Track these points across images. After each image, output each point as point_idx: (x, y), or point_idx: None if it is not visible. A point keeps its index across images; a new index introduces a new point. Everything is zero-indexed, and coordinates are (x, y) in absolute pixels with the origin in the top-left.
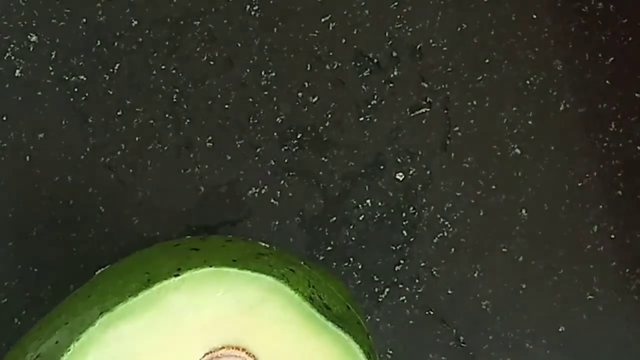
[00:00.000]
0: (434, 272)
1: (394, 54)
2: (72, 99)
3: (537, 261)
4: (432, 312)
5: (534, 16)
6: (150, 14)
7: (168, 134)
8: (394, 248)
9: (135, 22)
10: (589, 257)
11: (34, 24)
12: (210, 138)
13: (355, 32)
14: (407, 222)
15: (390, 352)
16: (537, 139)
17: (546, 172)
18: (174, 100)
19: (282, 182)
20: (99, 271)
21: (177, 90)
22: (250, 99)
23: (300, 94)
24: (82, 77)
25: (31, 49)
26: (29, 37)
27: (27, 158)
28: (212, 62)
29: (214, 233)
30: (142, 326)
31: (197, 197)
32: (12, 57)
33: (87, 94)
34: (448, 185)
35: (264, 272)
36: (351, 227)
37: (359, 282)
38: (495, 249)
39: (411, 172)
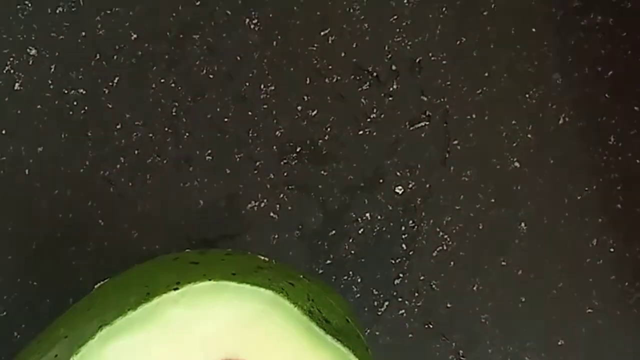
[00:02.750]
0: (434, 286)
1: (394, 67)
2: (71, 113)
3: (536, 275)
4: (431, 326)
5: (533, 30)
6: (150, 28)
7: (167, 148)
8: (393, 262)
9: (135, 36)
10: (588, 271)
11: (33, 38)
12: (209, 152)
13: (354, 46)
14: (406, 235)
15: None
16: (537, 153)
17: (545, 186)
18: (174, 113)
19: (282, 195)
20: (98, 285)
21: (177, 104)
22: (250, 113)
23: (299, 108)
24: (81, 90)
25: (30, 62)
26: (28, 50)
27: (27, 172)
28: (211, 76)
29: (213, 247)
30: (141, 340)
31: (196, 211)
32: (12, 71)
33: (86, 108)
34: (447, 199)
35: (263, 285)
36: (350, 240)
37: (358, 295)
38: (495, 262)
39: (410, 185)
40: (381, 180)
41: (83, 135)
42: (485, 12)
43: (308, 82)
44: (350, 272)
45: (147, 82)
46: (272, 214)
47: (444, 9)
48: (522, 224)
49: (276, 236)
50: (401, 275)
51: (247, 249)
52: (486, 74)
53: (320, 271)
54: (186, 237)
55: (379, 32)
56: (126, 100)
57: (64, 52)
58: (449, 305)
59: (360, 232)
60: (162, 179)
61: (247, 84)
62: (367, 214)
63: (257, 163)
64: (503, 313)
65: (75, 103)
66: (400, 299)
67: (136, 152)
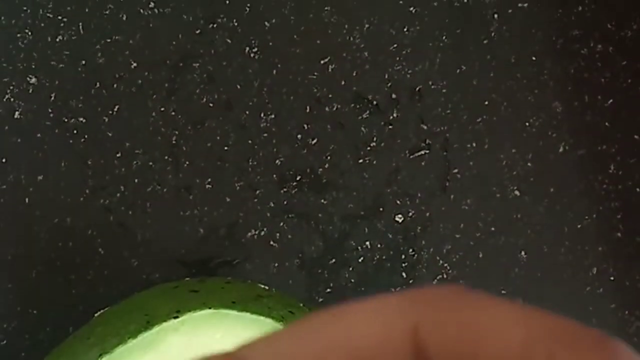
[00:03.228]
0: None
1: (393, 95)
2: (71, 141)
3: (536, 303)
4: None
5: (533, 58)
6: (149, 56)
7: (167, 176)
8: (393, 290)
9: (135, 64)
10: (588, 299)
11: (33, 66)
12: (209, 180)
13: (354, 74)
14: (406, 264)
15: None
16: (536, 181)
17: (545, 214)
18: (173, 142)
19: (282, 224)
20: (98, 313)
21: (177, 132)
22: (250, 141)
23: (299, 136)
24: (81, 119)
25: (30, 91)
26: (28, 79)
27: (27, 200)
28: (211, 104)
29: (213, 275)
30: None
31: (196, 239)
32: (12, 99)
33: (86, 136)
34: (447, 227)
35: (263, 314)
36: (350, 269)
37: None
38: (495, 291)
39: (410, 214)
40: (381, 209)
41: (83, 163)
42: (485, 40)
43: (308, 110)
44: (350, 301)
45: (147, 110)
46: (272, 243)
47: (443, 37)
48: (522, 253)
49: (276, 264)
50: None
51: (247, 277)
52: (486, 103)
53: (320, 300)
54: (186, 265)
55: (379, 61)
56: (126, 129)
57: (64, 81)
58: None
59: (360, 260)
60: (162, 208)
61: (247, 112)
62: (367, 243)
63: (257, 191)
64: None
65: (75, 131)
66: None
67: (136, 180)
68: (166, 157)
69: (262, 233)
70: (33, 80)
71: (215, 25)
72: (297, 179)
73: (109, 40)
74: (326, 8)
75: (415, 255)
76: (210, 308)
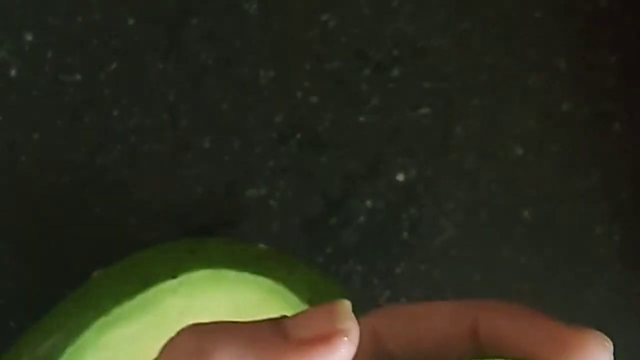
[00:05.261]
0: (435, 274)
1: (395, 53)
2: (67, 99)
3: (538, 263)
4: None
5: (537, 15)
6: (147, 12)
7: (165, 134)
8: (394, 250)
9: (132, 21)
10: (592, 260)
11: (29, 23)
12: (207, 138)
13: (355, 31)
14: (407, 223)
15: None
16: (540, 140)
17: (548, 173)
18: (171, 100)
19: (281, 183)
20: (95, 273)
21: (174, 90)
22: (249, 99)
23: (299, 94)
24: (77, 76)
25: (26, 48)
26: (24, 36)
27: (23, 158)
28: (209, 61)
29: (212, 235)
30: (138, 329)
31: (194, 199)
32: (7, 57)
33: (82, 94)
34: (449, 186)
35: (262, 274)
36: (351, 228)
37: (358, 284)
38: (497, 250)
39: (412, 172)
40: (382, 167)
41: (79, 122)
42: None
43: (308, 67)
44: (351, 261)
45: (145, 68)
46: (271, 202)
47: None
48: (525, 212)
49: (276, 224)
50: (402, 263)
51: (246, 237)
52: (488, 60)
53: (321, 260)
54: (184, 225)
55: (380, 18)
56: (123, 87)
57: (60, 38)
58: (450, 294)
59: (360, 220)
60: (159, 167)
61: (246, 69)
62: (368, 202)
63: (256, 150)
64: (506, 301)
65: (71, 89)
66: (401, 288)
67: (133, 139)
68: (164, 115)
69: (262, 192)
70: (29, 37)
71: None
72: (297, 137)
73: None
74: None
75: (417, 215)
76: (208, 268)
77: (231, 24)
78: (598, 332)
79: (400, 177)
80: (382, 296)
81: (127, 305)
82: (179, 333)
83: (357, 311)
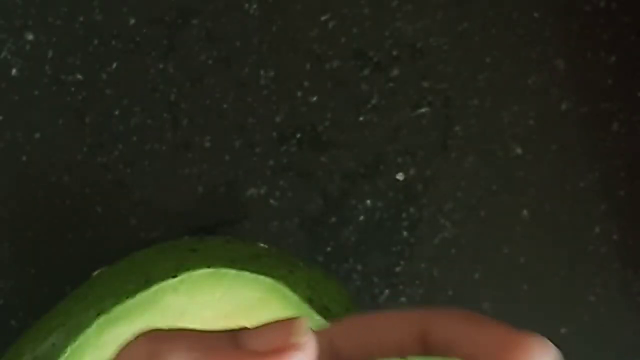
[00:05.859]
0: (434, 273)
1: (394, 52)
2: (68, 99)
3: (538, 262)
4: None
5: (536, 15)
6: (148, 13)
7: (166, 134)
8: (394, 249)
9: (133, 21)
10: (591, 259)
11: (30, 23)
12: (208, 138)
13: (355, 31)
14: (407, 222)
15: None
16: (539, 139)
17: (548, 173)
18: (172, 99)
19: (281, 182)
20: (96, 272)
21: (175, 90)
22: (249, 99)
23: (299, 94)
24: (79, 76)
25: (28, 48)
26: (25, 36)
27: (24, 158)
28: (210, 61)
29: (213, 234)
30: (139, 328)
31: (195, 198)
32: (9, 57)
33: (83, 94)
34: (448, 186)
35: (262, 273)
36: (351, 228)
37: (358, 283)
38: (496, 250)
39: (411, 172)
40: (382, 167)
41: (80, 121)
42: None
43: (308, 67)
44: (351, 260)
45: (146, 67)
46: (271, 201)
47: None
48: (524, 211)
49: (276, 223)
50: (402, 262)
51: (247, 236)
52: (488, 60)
53: (321, 258)
54: (185, 224)
55: (380, 17)
56: (124, 86)
57: (61, 38)
58: (450, 292)
59: (360, 219)
60: (160, 166)
61: (246, 69)
62: (368, 201)
63: (257, 149)
64: (504, 301)
65: (72, 89)
66: (400, 287)
67: (134, 138)
68: (165, 115)
69: (262, 191)
70: (30, 37)
71: None
72: (297, 136)
73: None
74: None
75: (416, 214)
76: (209, 267)
77: (231, 24)
78: (542, 337)
79: (400, 177)
80: (381, 295)
81: (128, 304)
82: (136, 337)
83: (357, 309)
